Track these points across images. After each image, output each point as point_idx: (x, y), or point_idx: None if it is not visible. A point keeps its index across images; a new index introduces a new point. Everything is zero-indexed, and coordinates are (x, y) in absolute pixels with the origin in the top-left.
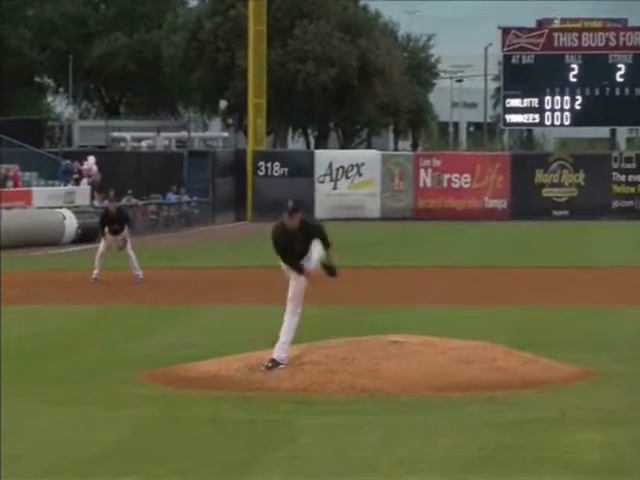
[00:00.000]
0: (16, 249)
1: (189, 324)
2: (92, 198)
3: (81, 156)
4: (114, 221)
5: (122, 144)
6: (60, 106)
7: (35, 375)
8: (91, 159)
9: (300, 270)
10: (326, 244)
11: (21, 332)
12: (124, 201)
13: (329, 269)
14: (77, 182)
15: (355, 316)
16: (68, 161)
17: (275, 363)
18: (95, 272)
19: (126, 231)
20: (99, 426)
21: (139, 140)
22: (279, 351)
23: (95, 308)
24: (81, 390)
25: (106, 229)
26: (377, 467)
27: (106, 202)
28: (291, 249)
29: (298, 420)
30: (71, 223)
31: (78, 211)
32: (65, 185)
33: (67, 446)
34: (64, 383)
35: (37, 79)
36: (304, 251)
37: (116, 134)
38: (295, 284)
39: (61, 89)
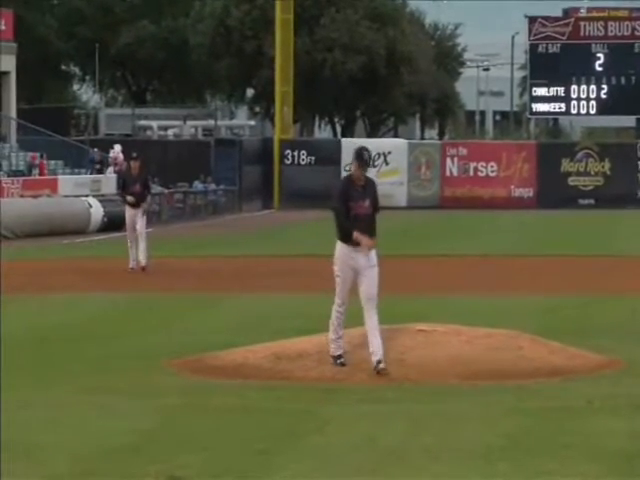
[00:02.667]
0: (42, 237)
1: (217, 313)
2: (118, 187)
3: (107, 144)
4: (135, 181)
5: (148, 132)
6: (86, 94)
7: (64, 364)
8: (117, 147)
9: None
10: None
11: (49, 321)
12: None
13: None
14: (99, 171)
15: (383, 305)
16: (95, 150)
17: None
18: (131, 262)
19: (148, 199)
20: (128, 415)
21: (166, 128)
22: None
23: (123, 296)
24: (110, 379)
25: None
26: (405, 455)
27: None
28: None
29: (325, 409)
30: (97, 211)
31: (104, 199)
32: (90, 174)
33: (96, 435)
34: (93, 372)
35: (64, 67)
36: (372, 222)
37: (142, 122)
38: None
39: (87, 77)
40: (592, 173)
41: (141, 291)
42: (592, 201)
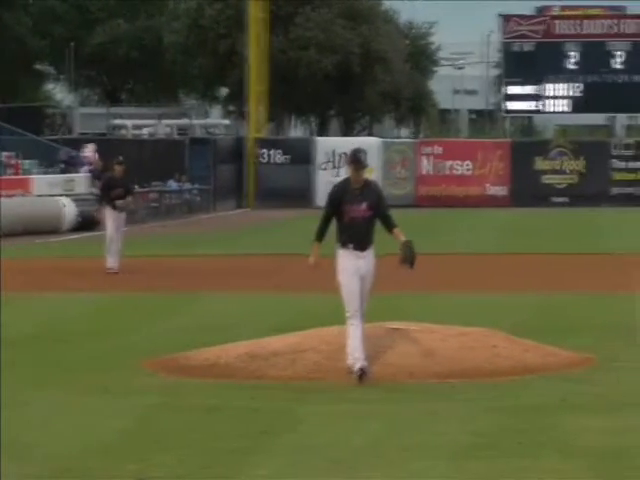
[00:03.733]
0: (16, 237)
1: (192, 312)
2: (92, 186)
3: (82, 144)
4: (119, 185)
5: (123, 131)
6: (61, 93)
7: (38, 364)
8: (91, 146)
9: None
10: (392, 222)
11: (21, 320)
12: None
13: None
14: (64, 171)
15: None
16: (66, 149)
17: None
18: (109, 261)
19: (130, 199)
20: (104, 414)
21: (140, 127)
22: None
23: (99, 296)
24: (86, 378)
25: (106, 198)
26: (380, 454)
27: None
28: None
29: (301, 408)
30: (70, 211)
31: (78, 199)
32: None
33: (72, 434)
34: (68, 371)
35: (38, 66)
36: (370, 226)
37: (117, 121)
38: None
39: (62, 76)
40: (566, 171)
41: (117, 291)
42: (566, 199)
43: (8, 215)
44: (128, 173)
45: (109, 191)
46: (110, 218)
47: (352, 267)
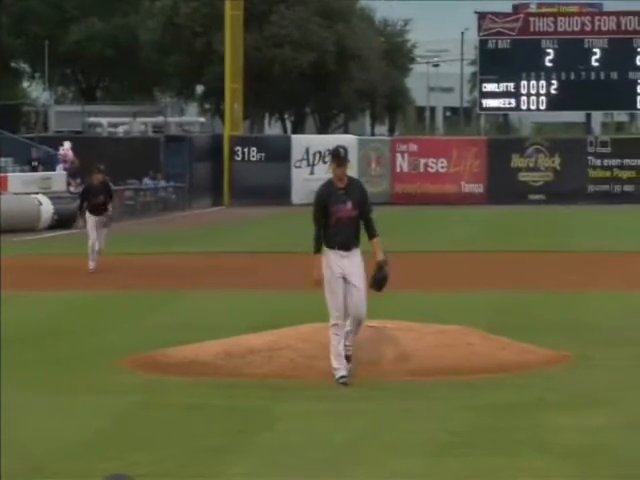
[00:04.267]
0: None
1: (170, 310)
2: (68, 184)
3: (57, 142)
4: (98, 193)
5: (98, 129)
6: (36, 91)
7: (14, 364)
8: (67, 144)
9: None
10: (373, 229)
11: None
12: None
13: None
14: (34, 169)
15: None
16: (41, 148)
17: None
18: (91, 264)
19: (110, 207)
20: (80, 413)
21: (115, 125)
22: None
23: (77, 294)
24: (63, 377)
25: (85, 205)
26: (358, 452)
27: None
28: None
29: (277, 406)
30: (47, 209)
31: (54, 197)
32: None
33: (48, 433)
34: (46, 370)
35: (13, 64)
36: (355, 226)
37: (92, 119)
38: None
39: (37, 74)
40: (542, 169)
41: (95, 289)
42: (542, 197)
43: None
44: (106, 182)
45: (87, 199)
46: (90, 223)
47: (336, 268)
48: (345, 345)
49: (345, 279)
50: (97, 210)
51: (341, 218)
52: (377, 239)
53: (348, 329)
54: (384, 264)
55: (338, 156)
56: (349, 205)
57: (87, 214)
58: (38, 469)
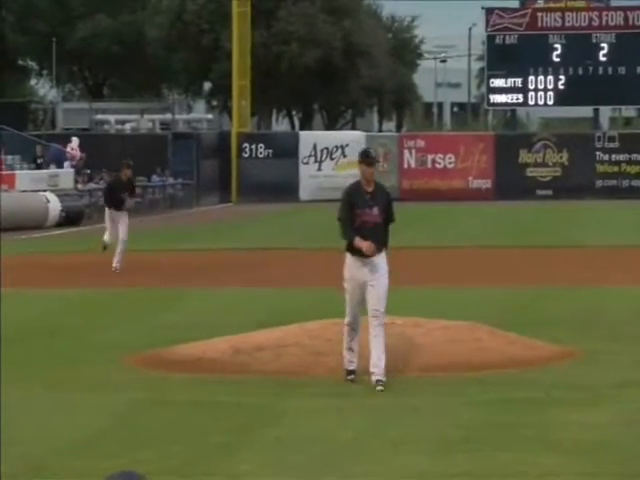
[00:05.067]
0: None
1: (177, 307)
2: (76, 181)
3: (65, 139)
4: (124, 189)
5: (106, 126)
6: (43, 89)
7: (20, 360)
8: (75, 141)
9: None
10: (386, 238)
11: (6, 316)
12: (102, 183)
13: None
14: (39, 166)
15: (342, 298)
16: (51, 145)
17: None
18: (116, 262)
19: (131, 201)
20: (86, 410)
21: (123, 122)
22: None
23: (83, 291)
24: (69, 374)
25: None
26: (364, 448)
27: (91, 184)
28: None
29: (284, 403)
30: (55, 206)
31: (62, 194)
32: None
33: (52, 431)
34: (52, 367)
35: (20, 62)
36: (380, 232)
37: (100, 116)
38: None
39: (44, 72)
40: (550, 164)
41: (101, 286)
42: (550, 192)
43: None
44: (132, 178)
45: (112, 195)
46: (108, 216)
47: (356, 276)
48: (371, 373)
49: (365, 283)
50: (118, 205)
51: (366, 222)
52: (385, 251)
53: (374, 356)
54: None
55: (368, 156)
56: (375, 210)
57: (107, 210)
58: (40, 468)
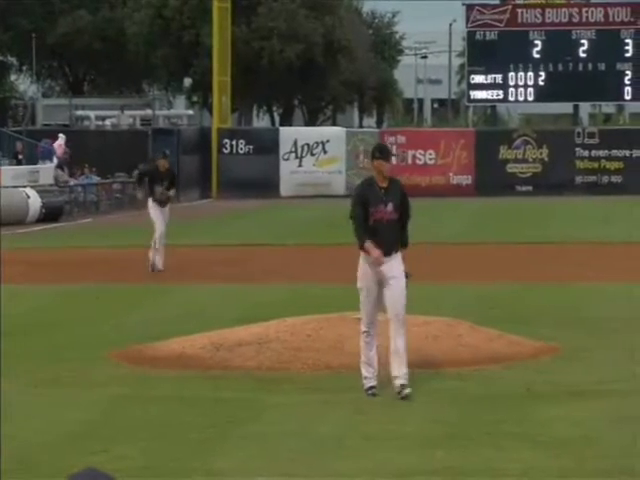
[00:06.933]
0: None
1: (157, 303)
2: (55, 178)
3: (45, 135)
4: (163, 179)
5: (86, 122)
6: (24, 84)
7: (6, 355)
8: (62, 137)
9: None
10: (405, 237)
11: None
12: (82, 178)
13: None
14: (19, 162)
15: (323, 293)
16: (47, 140)
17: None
18: (157, 259)
19: (173, 192)
20: (67, 406)
21: (103, 118)
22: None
23: (67, 288)
24: (50, 370)
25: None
26: (343, 443)
27: (82, 177)
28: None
29: (264, 398)
30: (35, 202)
31: (42, 190)
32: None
33: (34, 426)
34: (34, 363)
35: (0, 58)
36: (394, 230)
37: (80, 112)
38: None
39: (24, 67)
40: (530, 160)
41: (82, 282)
42: (530, 188)
43: None
44: (172, 169)
45: (149, 181)
46: (155, 212)
47: (372, 275)
48: (394, 377)
49: (382, 283)
50: (159, 196)
51: (379, 220)
52: (404, 251)
53: (394, 355)
54: (407, 277)
55: (385, 151)
56: (390, 207)
57: (150, 203)
58: (21, 463)
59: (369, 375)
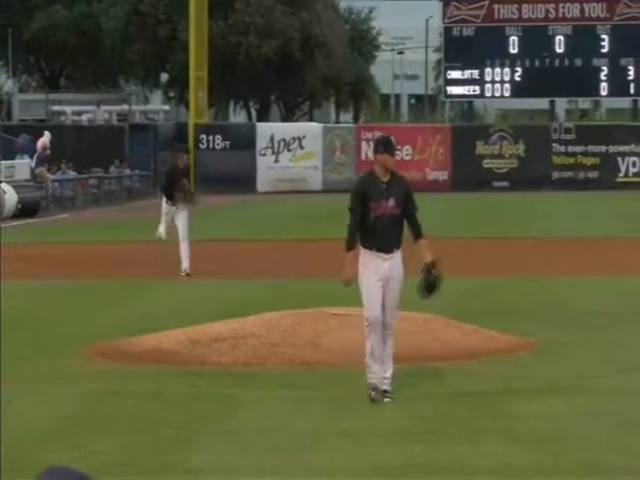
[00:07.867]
0: None
1: (134, 300)
2: (32, 172)
3: (21, 130)
4: (182, 176)
5: (62, 118)
6: None
7: None
8: (47, 134)
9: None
10: (418, 228)
11: None
12: (58, 174)
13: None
14: None
15: (300, 288)
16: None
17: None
18: (184, 264)
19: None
20: (43, 402)
21: (79, 114)
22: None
23: (43, 284)
24: (26, 365)
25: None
26: (320, 438)
27: (59, 173)
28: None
29: (241, 394)
30: (11, 198)
31: (18, 185)
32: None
33: (8, 423)
34: (10, 360)
35: None
36: (397, 226)
37: (56, 108)
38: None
39: (0, 62)
40: (506, 155)
41: (56, 278)
42: (507, 183)
43: None
44: (189, 166)
45: (172, 182)
46: (166, 209)
47: (375, 271)
48: (384, 378)
49: (382, 280)
50: (174, 198)
51: (381, 216)
52: (424, 240)
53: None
54: (433, 266)
55: (390, 144)
56: (391, 202)
57: (164, 199)
58: None
59: (375, 369)
